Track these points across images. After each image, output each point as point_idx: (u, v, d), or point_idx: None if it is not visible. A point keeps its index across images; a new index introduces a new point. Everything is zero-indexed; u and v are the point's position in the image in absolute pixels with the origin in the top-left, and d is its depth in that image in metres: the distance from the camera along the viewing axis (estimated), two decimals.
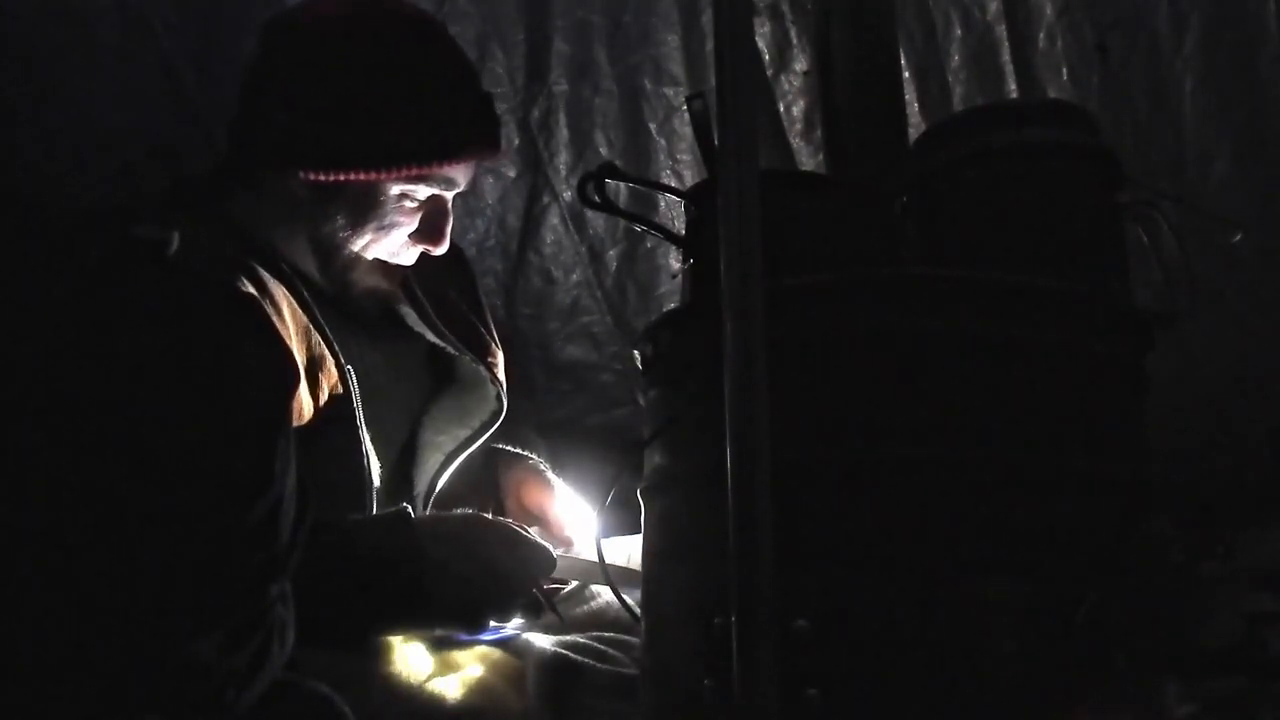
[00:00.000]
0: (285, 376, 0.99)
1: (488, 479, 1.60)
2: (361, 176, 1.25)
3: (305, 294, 1.28)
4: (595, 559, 1.16)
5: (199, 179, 1.36)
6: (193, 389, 0.94)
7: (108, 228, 1.13)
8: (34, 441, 0.92)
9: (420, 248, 1.34)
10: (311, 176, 1.25)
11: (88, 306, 0.97)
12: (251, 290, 1.20)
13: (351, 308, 1.37)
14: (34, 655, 0.87)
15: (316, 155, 1.24)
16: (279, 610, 0.96)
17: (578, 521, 1.52)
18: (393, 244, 1.32)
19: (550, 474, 1.62)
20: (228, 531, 0.92)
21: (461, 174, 1.32)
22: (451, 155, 1.28)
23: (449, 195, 1.34)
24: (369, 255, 1.32)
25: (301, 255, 1.31)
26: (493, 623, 1.23)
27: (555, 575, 1.34)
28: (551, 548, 1.30)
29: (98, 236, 1.10)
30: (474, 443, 1.47)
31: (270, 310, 1.20)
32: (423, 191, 1.30)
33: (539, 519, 1.54)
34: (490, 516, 1.32)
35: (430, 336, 1.44)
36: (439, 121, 1.27)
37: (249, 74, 1.30)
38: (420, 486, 1.45)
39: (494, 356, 1.52)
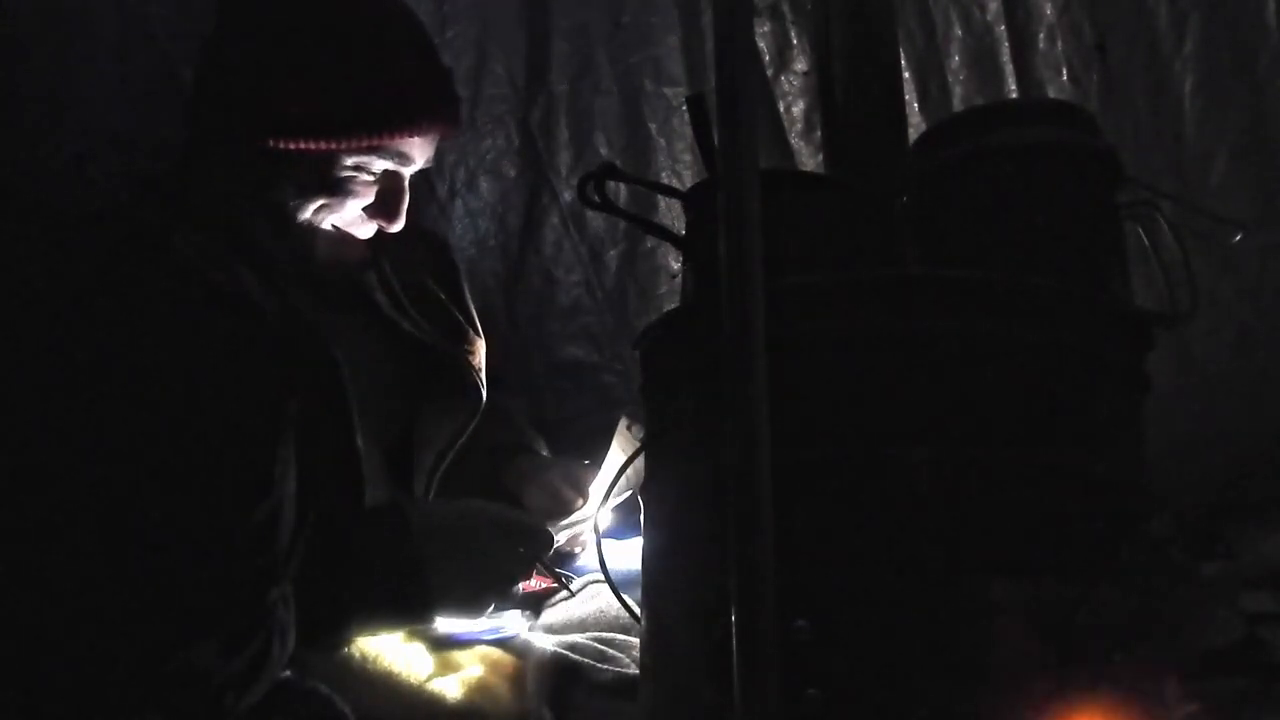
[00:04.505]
0: (284, 382, 0.98)
1: (491, 477, 1.59)
2: (315, 145, 1.22)
3: (288, 293, 1.27)
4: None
5: (164, 176, 1.34)
6: (192, 395, 0.94)
7: (109, 231, 1.13)
8: (34, 445, 0.92)
9: (375, 223, 1.32)
10: (266, 144, 1.22)
11: (89, 310, 0.97)
12: (247, 293, 1.19)
13: (325, 293, 1.35)
14: (35, 657, 0.87)
15: (271, 122, 1.22)
16: (279, 613, 0.97)
17: (583, 492, 1.52)
18: (346, 216, 1.30)
19: (546, 454, 1.61)
20: (227, 536, 0.92)
21: (418, 150, 1.30)
22: (405, 127, 1.26)
23: (405, 171, 1.31)
24: (323, 224, 1.30)
25: (258, 227, 1.28)
26: (494, 607, 1.23)
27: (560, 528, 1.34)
28: (551, 529, 1.30)
29: (99, 239, 1.10)
30: (463, 434, 1.47)
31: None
32: (377, 165, 1.27)
33: (547, 501, 1.54)
34: (484, 502, 1.32)
35: (405, 325, 1.44)
36: (394, 92, 1.25)
37: (206, 48, 1.28)
38: (420, 485, 1.45)
39: (471, 345, 1.51)
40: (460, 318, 1.53)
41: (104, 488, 0.90)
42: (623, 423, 1.45)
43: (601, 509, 1.30)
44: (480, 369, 1.49)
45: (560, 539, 1.43)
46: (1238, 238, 1.30)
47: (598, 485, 1.49)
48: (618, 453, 1.44)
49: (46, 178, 1.55)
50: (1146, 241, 1.06)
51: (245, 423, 0.95)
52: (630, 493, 1.38)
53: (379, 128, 1.24)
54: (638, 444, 1.38)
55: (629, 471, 1.20)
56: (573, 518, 1.50)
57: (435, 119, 1.30)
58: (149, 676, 0.88)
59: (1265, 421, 1.86)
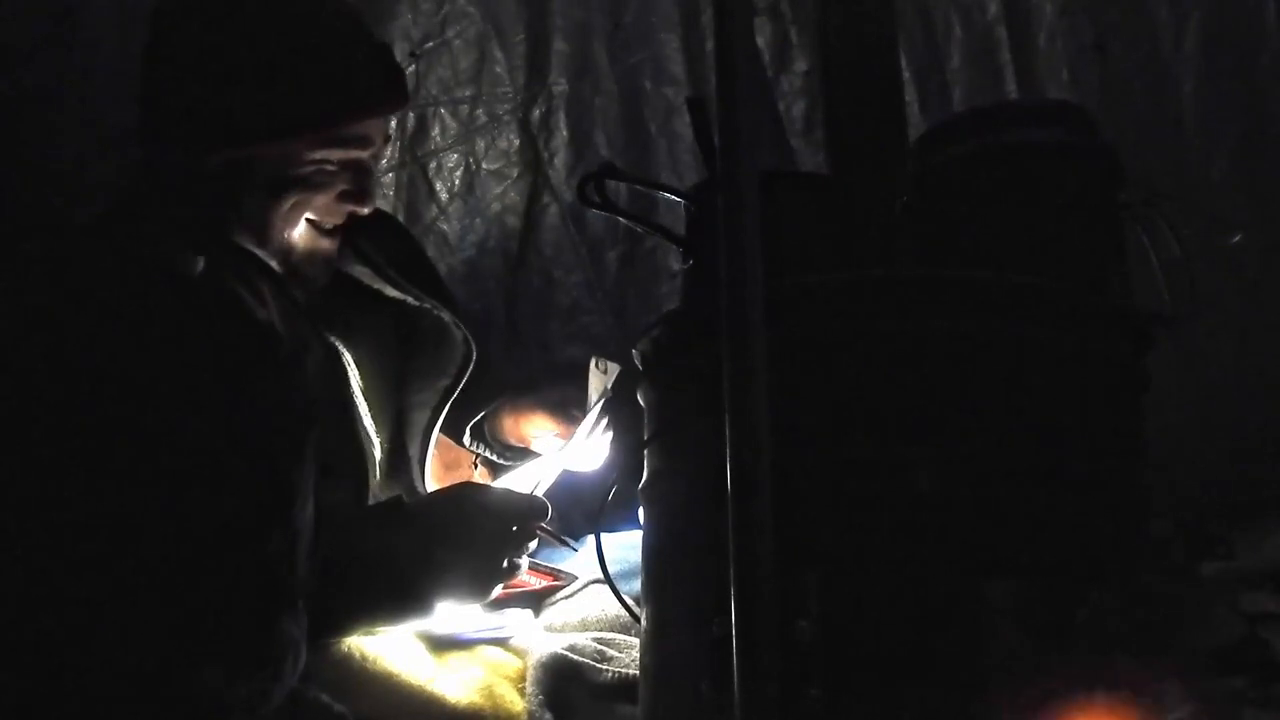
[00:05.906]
0: (307, 410, 0.98)
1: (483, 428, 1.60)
2: (274, 149, 1.22)
3: (284, 300, 1.27)
4: None
5: (153, 190, 1.33)
6: (215, 421, 0.93)
7: (110, 245, 1.11)
8: (50, 465, 0.91)
9: (347, 208, 1.32)
10: (227, 155, 1.22)
11: (97, 329, 0.96)
12: (271, 317, 1.18)
13: (313, 289, 1.35)
14: (41, 676, 0.87)
15: (227, 133, 1.21)
16: (292, 633, 0.96)
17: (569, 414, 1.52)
18: (318, 207, 1.30)
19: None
20: (244, 561, 0.91)
21: (374, 129, 1.30)
22: (359, 111, 1.26)
23: (366, 153, 1.31)
24: (298, 220, 1.29)
25: (241, 237, 1.28)
26: (501, 588, 1.24)
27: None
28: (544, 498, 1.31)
29: (101, 253, 1.08)
30: (454, 391, 1.47)
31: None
32: (337, 154, 1.27)
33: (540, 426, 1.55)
34: (476, 486, 1.33)
35: (388, 291, 1.44)
36: (342, 79, 1.25)
37: (145, 68, 1.26)
38: (414, 449, 1.46)
39: (453, 302, 1.52)
40: (434, 277, 1.54)
41: (118, 508, 0.90)
42: (593, 361, 1.46)
43: (586, 440, 1.32)
44: (464, 325, 1.50)
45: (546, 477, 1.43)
46: (1237, 238, 1.30)
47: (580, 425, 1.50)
48: (593, 391, 1.45)
49: (46, 178, 1.55)
50: (1146, 241, 1.06)
51: (265, 450, 0.95)
52: (605, 430, 1.42)
53: (334, 117, 1.24)
54: (608, 379, 1.43)
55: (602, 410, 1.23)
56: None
57: (385, 97, 1.30)
58: (158, 696, 0.88)
59: (1265, 422, 1.86)
